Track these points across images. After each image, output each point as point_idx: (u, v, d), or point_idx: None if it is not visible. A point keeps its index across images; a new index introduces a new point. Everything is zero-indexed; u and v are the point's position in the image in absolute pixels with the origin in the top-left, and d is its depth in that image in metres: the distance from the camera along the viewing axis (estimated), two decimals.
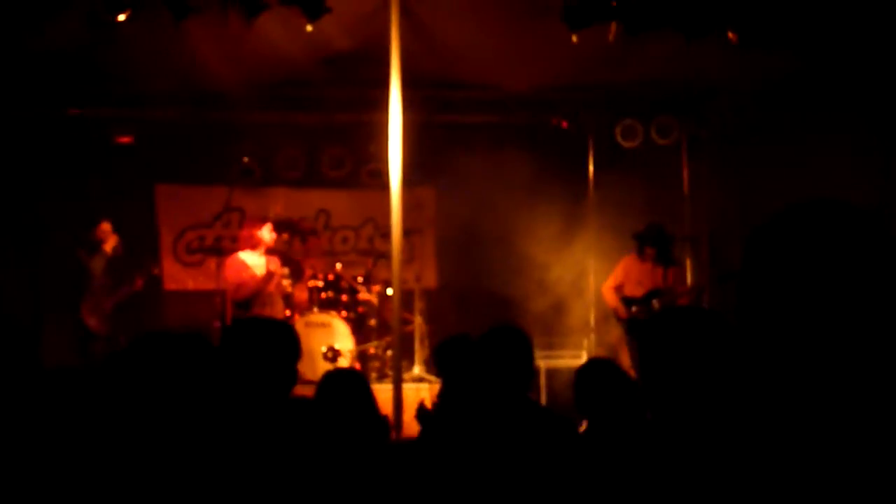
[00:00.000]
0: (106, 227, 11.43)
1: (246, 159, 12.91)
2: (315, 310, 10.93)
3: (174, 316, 12.63)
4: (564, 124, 13.00)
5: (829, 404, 1.74)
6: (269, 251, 10.66)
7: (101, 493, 2.14)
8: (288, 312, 10.84)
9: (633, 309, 11.04)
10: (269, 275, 10.49)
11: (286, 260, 11.12)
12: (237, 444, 3.21)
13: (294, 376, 3.75)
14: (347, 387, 5.09)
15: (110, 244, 11.37)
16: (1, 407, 2.49)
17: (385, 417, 5.86)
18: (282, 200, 12.57)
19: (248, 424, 3.31)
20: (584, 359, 11.36)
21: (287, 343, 3.72)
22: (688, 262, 12.59)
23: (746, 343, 1.88)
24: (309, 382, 9.33)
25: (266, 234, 10.61)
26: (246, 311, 10.33)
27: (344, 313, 11.02)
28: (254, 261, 10.58)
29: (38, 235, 12.25)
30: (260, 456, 3.00)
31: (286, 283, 10.97)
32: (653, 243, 11.13)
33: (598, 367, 5.08)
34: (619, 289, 11.28)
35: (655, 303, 10.95)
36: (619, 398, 4.72)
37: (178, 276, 13.13)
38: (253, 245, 10.64)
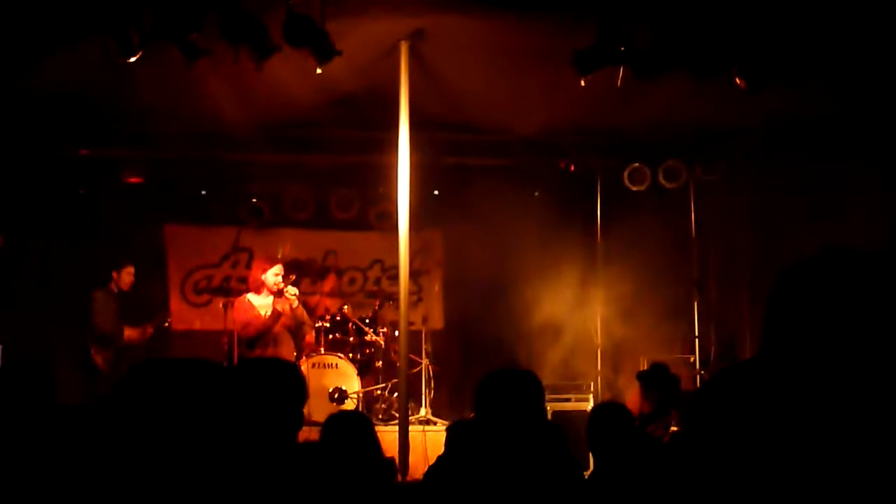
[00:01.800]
0: (131, 269, 11.46)
1: (254, 200, 12.96)
2: (322, 351, 10.92)
3: (179, 355, 12.61)
4: (572, 167, 13.02)
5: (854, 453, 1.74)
6: (276, 293, 10.60)
7: None
8: (296, 353, 10.81)
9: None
10: (276, 315, 10.48)
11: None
12: (241, 487, 3.19)
13: (300, 419, 3.69)
14: (352, 429, 5.08)
15: (126, 285, 11.41)
16: (14, 443, 2.48)
17: (391, 459, 5.85)
18: (290, 241, 12.58)
19: (252, 467, 3.29)
20: (591, 403, 11.31)
21: (294, 385, 3.67)
22: (695, 306, 12.54)
23: (771, 392, 1.87)
24: (315, 423, 9.32)
25: (270, 277, 10.55)
26: (252, 352, 10.31)
27: (351, 354, 11.01)
28: (260, 301, 10.57)
29: (48, 274, 12.29)
30: (264, 499, 2.98)
31: (304, 316, 10.91)
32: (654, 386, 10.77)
33: (609, 411, 5.06)
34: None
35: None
36: (628, 441, 4.70)
37: (185, 316, 13.13)
38: (256, 288, 10.62)
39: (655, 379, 10.78)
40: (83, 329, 11.19)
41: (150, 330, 11.51)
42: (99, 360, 11.00)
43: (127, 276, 11.38)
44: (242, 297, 10.75)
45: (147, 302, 12.04)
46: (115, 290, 11.31)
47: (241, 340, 10.47)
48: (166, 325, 12.06)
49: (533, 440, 4.66)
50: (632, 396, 10.90)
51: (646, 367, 10.70)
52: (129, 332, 11.26)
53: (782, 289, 1.88)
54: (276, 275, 10.57)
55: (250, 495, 3.02)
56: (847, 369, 1.76)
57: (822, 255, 1.87)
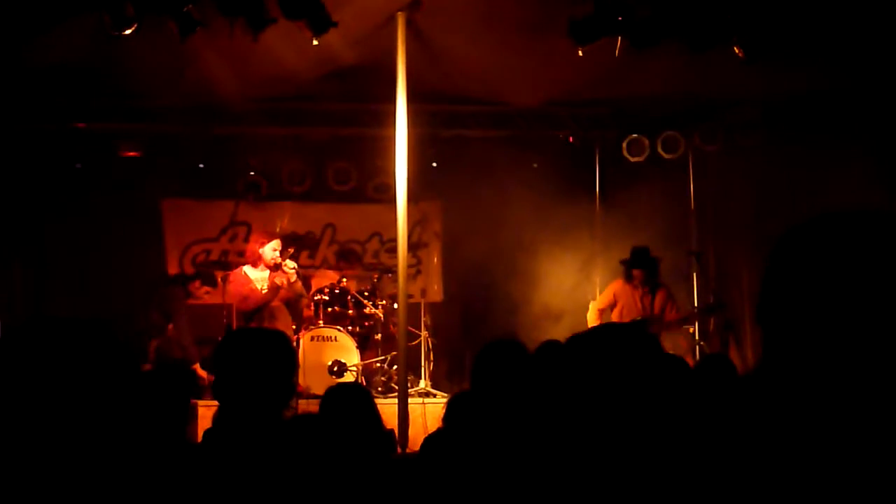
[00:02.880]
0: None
1: (252, 173, 12.92)
2: (321, 324, 10.91)
3: None
4: (571, 139, 12.99)
5: (853, 423, 1.72)
6: (273, 267, 10.56)
7: None
8: (294, 326, 10.81)
9: None
10: (275, 289, 10.47)
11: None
12: (232, 458, 3.18)
13: (292, 388, 3.65)
14: (351, 401, 5.08)
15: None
16: None
17: (390, 432, 5.85)
18: (288, 214, 12.54)
19: (244, 437, 3.28)
20: None
21: (282, 353, 3.60)
22: (694, 278, 12.54)
23: (770, 355, 1.85)
24: (315, 396, 9.33)
25: (268, 252, 10.52)
26: (250, 325, 10.31)
27: (350, 327, 11.00)
28: (257, 275, 10.56)
29: (41, 248, 12.29)
30: (260, 470, 2.98)
31: (302, 290, 10.90)
32: (639, 265, 11.05)
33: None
34: (604, 311, 11.20)
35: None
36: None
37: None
38: (254, 262, 10.61)
39: (637, 261, 11.01)
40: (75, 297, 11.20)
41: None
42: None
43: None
44: (238, 269, 10.74)
45: (143, 277, 12.02)
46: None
47: (240, 314, 10.46)
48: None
49: (527, 411, 4.64)
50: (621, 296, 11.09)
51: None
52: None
53: (782, 250, 1.86)
54: (274, 249, 10.54)
55: (244, 465, 3.01)
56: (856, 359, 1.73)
57: (821, 217, 1.84)
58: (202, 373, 10.45)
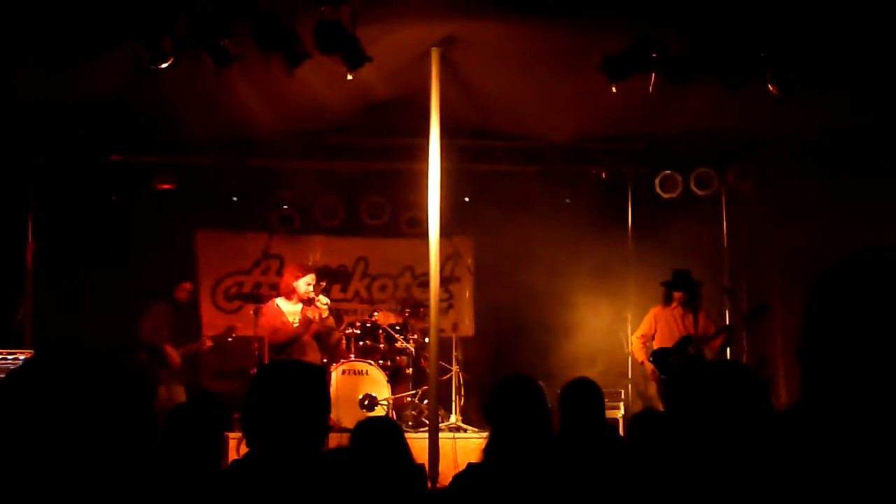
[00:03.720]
0: (186, 286, 11.81)
1: (285, 206, 12.99)
2: (352, 357, 10.92)
3: (212, 362, 12.65)
4: (603, 174, 12.99)
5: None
6: (307, 301, 10.57)
7: None
8: (325, 360, 10.81)
9: (670, 359, 10.96)
10: (307, 323, 10.48)
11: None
12: (264, 491, 3.17)
13: (326, 427, 3.52)
14: (382, 435, 5.06)
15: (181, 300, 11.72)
16: None
17: (421, 466, 5.83)
18: (320, 248, 12.59)
19: (276, 470, 3.26)
20: (622, 410, 11.27)
21: (317, 388, 3.50)
22: (727, 314, 12.47)
23: (808, 387, 1.84)
24: (345, 430, 9.32)
25: (302, 285, 10.53)
26: (281, 357, 10.31)
27: (381, 361, 11.00)
28: (289, 308, 10.58)
29: (80, 278, 12.38)
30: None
31: (333, 324, 10.94)
32: (681, 287, 11.09)
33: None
34: (647, 338, 11.25)
35: (690, 349, 10.89)
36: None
37: (216, 323, 13.14)
38: (287, 294, 10.63)
39: (678, 283, 11.07)
40: (129, 335, 11.32)
41: (189, 349, 11.56)
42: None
43: (181, 292, 11.64)
44: (271, 301, 10.76)
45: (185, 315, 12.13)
46: (172, 304, 11.49)
47: (271, 346, 10.47)
48: (230, 338, 12.06)
49: (549, 448, 4.60)
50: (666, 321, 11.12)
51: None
52: (171, 351, 11.27)
53: (824, 287, 1.85)
54: (308, 284, 10.55)
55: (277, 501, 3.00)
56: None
57: (859, 254, 1.84)
58: (174, 354, 11.10)
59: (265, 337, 10.46)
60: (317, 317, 10.51)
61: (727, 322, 12.11)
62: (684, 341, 10.96)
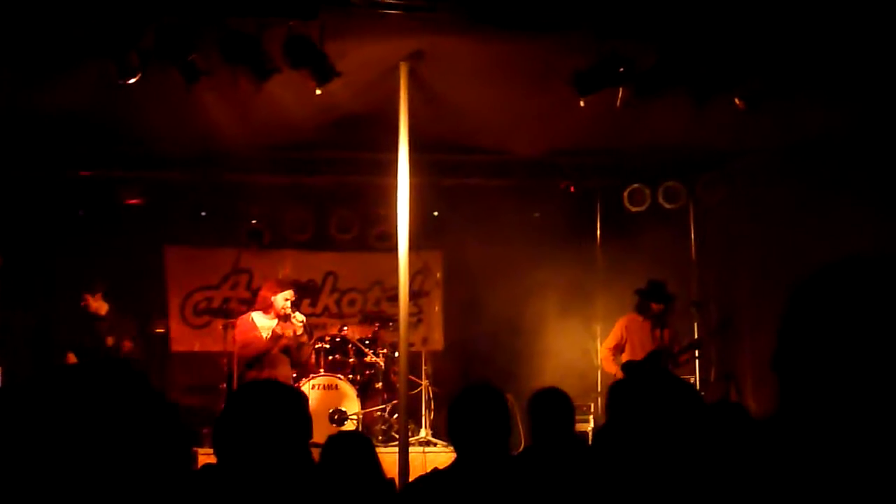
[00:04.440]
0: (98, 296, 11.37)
1: (254, 221, 12.96)
2: (322, 372, 10.89)
3: (180, 377, 12.60)
4: (572, 188, 13.04)
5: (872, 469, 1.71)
6: (283, 317, 10.51)
7: None
8: (294, 374, 10.78)
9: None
10: (276, 338, 10.45)
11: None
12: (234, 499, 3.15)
13: (308, 454, 3.38)
14: (352, 450, 5.06)
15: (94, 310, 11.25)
16: None
17: (391, 481, 5.81)
18: (289, 262, 12.58)
19: (248, 485, 3.24)
20: (591, 423, 11.31)
21: (297, 414, 3.36)
22: (695, 328, 12.51)
23: (786, 396, 1.85)
24: (315, 445, 9.28)
25: (279, 301, 10.50)
26: (250, 371, 10.27)
27: (351, 376, 10.98)
28: (263, 322, 10.55)
29: (48, 295, 12.26)
30: None
31: (305, 339, 10.85)
32: (660, 299, 11.07)
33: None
34: (617, 349, 11.23)
35: (664, 363, 10.90)
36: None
37: (184, 338, 13.10)
38: (265, 308, 10.60)
39: (657, 294, 11.01)
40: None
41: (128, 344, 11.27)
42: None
43: (94, 301, 11.21)
44: (247, 314, 10.72)
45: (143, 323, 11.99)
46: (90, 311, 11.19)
47: (240, 361, 10.43)
48: (158, 330, 11.87)
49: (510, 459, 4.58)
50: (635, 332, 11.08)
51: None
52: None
53: (799, 298, 1.86)
54: (286, 299, 10.52)
55: None
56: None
57: (838, 263, 1.85)
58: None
59: (235, 352, 10.42)
60: (290, 333, 10.47)
61: (696, 336, 12.14)
62: (656, 355, 10.96)
